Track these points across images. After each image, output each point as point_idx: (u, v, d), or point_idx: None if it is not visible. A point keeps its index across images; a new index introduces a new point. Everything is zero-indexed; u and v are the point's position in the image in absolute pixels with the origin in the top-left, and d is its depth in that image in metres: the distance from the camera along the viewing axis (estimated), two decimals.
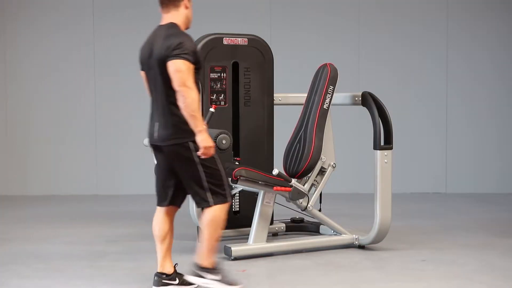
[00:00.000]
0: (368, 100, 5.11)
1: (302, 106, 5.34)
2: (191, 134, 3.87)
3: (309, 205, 5.15)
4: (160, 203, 4.15)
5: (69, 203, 7.63)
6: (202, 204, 4.01)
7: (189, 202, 5.43)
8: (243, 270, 4.58)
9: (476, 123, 8.34)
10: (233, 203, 5.49)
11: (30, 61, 8.30)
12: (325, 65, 5.25)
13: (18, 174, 8.33)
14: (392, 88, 8.17)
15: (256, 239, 4.90)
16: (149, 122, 4.10)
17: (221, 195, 4.00)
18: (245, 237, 5.17)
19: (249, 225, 5.15)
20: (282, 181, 4.97)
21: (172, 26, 3.98)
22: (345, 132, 7.91)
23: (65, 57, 8.30)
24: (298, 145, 5.18)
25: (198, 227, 5.47)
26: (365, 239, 5.19)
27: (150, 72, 4.01)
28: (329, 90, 5.15)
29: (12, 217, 6.81)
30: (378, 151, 5.02)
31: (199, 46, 5.32)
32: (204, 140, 3.84)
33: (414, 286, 4.22)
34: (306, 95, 5.33)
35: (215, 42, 5.35)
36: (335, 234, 5.34)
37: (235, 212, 5.53)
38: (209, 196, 3.97)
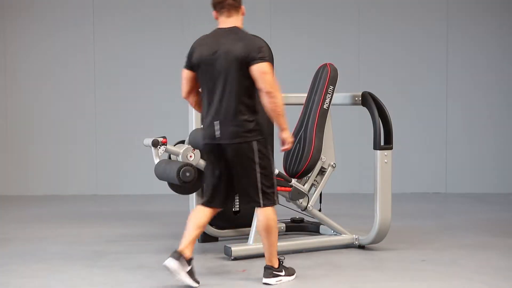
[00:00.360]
0: (368, 100, 5.11)
1: (302, 106, 5.34)
2: (256, 134, 4.14)
3: (309, 205, 5.15)
4: (208, 204, 4.30)
5: (69, 203, 7.63)
6: (252, 204, 4.24)
7: (189, 202, 5.43)
8: (243, 270, 4.58)
9: (476, 123, 8.34)
10: (233, 203, 5.49)
11: (30, 61, 8.30)
12: (325, 65, 5.24)
13: (18, 174, 8.34)
14: (392, 88, 8.17)
15: (256, 239, 4.90)
16: (205, 121, 4.21)
17: (271, 197, 4.22)
18: (245, 237, 5.16)
19: (249, 225, 5.16)
20: (282, 181, 4.97)
21: (240, 29, 4.21)
22: (345, 132, 7.91)
23: (65, 57, 8.30)
24: (298, 145, 5.18)
25: None
26: (365, 239, 5.19)
27: (214, 71, 4.14)
28: (329, 90, 5.15)
29: (12, 217, 6.81)
30: (378, 151, 5.02)
31: None
32: (289, 136, 4.21)
33: (414, 286, 4.22)
34: (306, 95, 5.32)
35: None
36: (335, 234, 5.34)
37: (235, 212, 5.52)
38: (260, 197, 4.19)
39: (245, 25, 4.39)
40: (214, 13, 4.25)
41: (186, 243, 4.20)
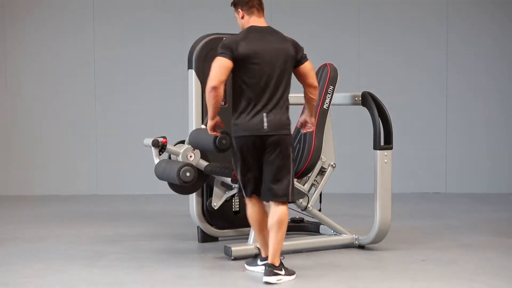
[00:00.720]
0: (368, 100, 5.11)
1: (302, 106, 5.33)
2: (290, 128, 4.38)
3: (309, 205, 5.15)
4: (253, 194, 4.39)
5: (69, 203, 7.62)
6: (281, 198, 4.29)
7: (189, 202, 5.43)
8: (243, 270, 4.57)
9: (476, 123, 8.34)
10: (233, 203, 5.49)
11: (30, 61, 8.30)
12: (325, 65, 5.24)
13: (18, 174, 8.33)
14: (392, 88, 8.17)
15: (256, 239, 4.89)
16: (249, 113, 4.26)
17: (292, 193, 4.36)
18: (245, 237, 5.17)
19: (249, 225, 5.12)
20: None
21: (275, 29, 4.43)
22: (345, 132, 7.91)
23: (65, 57, 8.30)
24: (298, 145, 5.17)
25: (198, 227, 5.47)
26: (365, 239, 5.19)
27: (263, 65, 4.25)
28: (329, 90, 5.15)
29: (12, 217, 6.81)
30: (378, 151, 5.01)
31: (199, 46, 5.31)
32: (314, 121, 4.62)
33: (414, 286, 4.22)
34: None
35: (215, 42, 5.34)
36: (335, 234, 5.34)
37: (235, 212, 5.52)
38: (290, 191, 4.32)
39: None
40: (241, 12, 4.40)
41: (266, 247, 4.41)
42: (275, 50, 4.28)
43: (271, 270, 4.26)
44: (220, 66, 4.20)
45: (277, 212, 4.28)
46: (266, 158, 4.27)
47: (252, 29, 4.35)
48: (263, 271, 4.30)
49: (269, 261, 4.29)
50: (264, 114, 4.24)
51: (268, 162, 4.27)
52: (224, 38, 5.33)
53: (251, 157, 4.30)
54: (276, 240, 4.27)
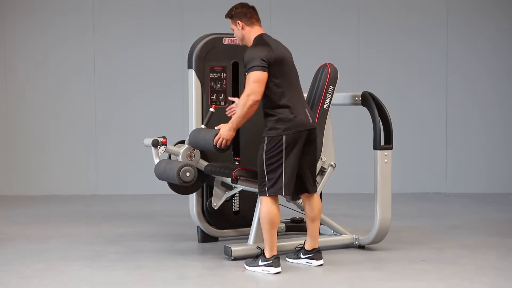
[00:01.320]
0: (368, 100, 5.11)
1: None
2: None
3: None
4: (292, 194, 4.53)
5: (69, 203, 7.62)
6: (313, 189, 4.64)
7: (189, 202, 5.43)
8: (243, 270, 4.58)
9: (476, 123, 8.35)
10: (233, 203, 5.49)
11: (30, 60, 8.30)
12: (325, 65, 5.24)
13: (18, 174, 8.33)
14: (392, 88, 8.17)
15: (256, 239, 4.89)
16: (297, 110, 4.48)
17: None
18: (245, 237, 5.16)
19: (249, 225, 5.15)
20: None
21: None
22: (345, 132, 7.91)
23: (65, 57, 8.30)
24: None
25: (198, 227, 5.47)
26: (365, 239, 5.19)
27: (290, 67, 4.53)
28: (329, 90, 5.14)
29: (12, 217, 6.81)
30: (378, 151, 5.02)
31: (199, 46, 5.31)
32: None
33: (414, 286, 4.22)
34: (306, 95, 5.32)
35: (215, 42, 5.35)
36: (335, 234, 5.34)
37: (235, 212, 5.52)
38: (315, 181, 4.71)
39: None
40: (240, 23, 4.51)
41: (273, 248, 4.48)
42: (289, 53, 4.58)
43: (321, 252, 4.65)
44: (260, 80, 4.37)
45: (316, 202, 4.66)
46: (308, 151, 4.52)
47: (265, 36, 4.53)
48: (311, 256, 4.64)
49: (317, 246, 4.65)
50: (305, 110, 4.53)
51: (308, 154, 4.55)
52: (223, 39, 5.37)
53: (298, 152, 4.47)
54: (318, 227, 4.67)
